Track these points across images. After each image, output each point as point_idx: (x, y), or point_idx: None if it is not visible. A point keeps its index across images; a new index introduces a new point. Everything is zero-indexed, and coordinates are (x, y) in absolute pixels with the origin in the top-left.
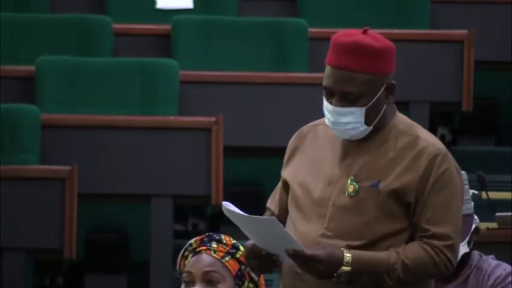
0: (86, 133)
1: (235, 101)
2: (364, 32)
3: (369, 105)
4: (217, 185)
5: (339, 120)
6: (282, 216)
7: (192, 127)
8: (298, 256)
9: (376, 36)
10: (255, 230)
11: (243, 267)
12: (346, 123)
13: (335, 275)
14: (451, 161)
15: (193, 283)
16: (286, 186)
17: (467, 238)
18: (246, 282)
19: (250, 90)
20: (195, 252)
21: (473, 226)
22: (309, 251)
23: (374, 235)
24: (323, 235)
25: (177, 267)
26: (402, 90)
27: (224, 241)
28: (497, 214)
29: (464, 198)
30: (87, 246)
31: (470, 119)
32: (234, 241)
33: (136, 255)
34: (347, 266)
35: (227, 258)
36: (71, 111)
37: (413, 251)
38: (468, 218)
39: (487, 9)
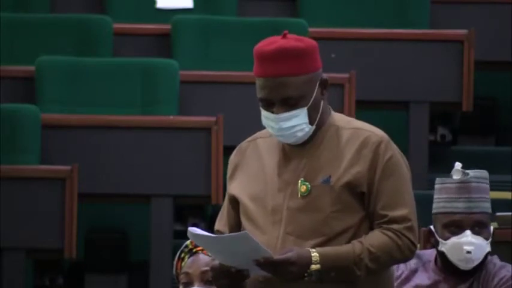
0: (86, 133)
1: (235, 101)
2: (284, 36)
3: (309, 104)
4: (217, 185)
5: (284, 125)
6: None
7: (192, 127)
8: (269, 263)
9: (296, 38)
10: (224, 249)
11: None
12: (292, 126)
13: (306, 274)
14: (394, 147)
15: (191, 283)
16: (234, 203)
17: (491, 238)
18: None
19: (250, 90)
20: (192, 253)
21: (492, 227)
22: (278, 256)
23: (333, 230)
24: (283, 240)
25: (174, 270)
26: (402, 90)
27: None
28: (497, 214)
29: (484, 196)
30: (87, 246)
31: (470, 119)
32: None
33: (136, 255)
34: (316, 264)
35: None
36: (71, 111)
37: (375, 238)
38: (490, 217)
39: (487, 9)
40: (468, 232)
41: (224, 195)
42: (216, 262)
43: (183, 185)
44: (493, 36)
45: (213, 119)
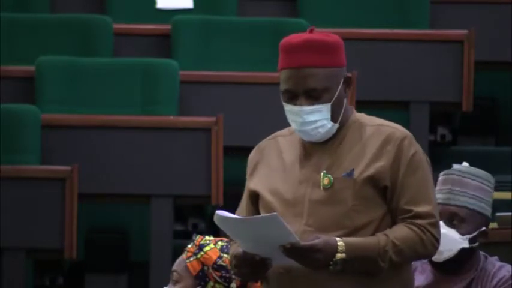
0: (86, 133)
1: (235, 101)
2: (311, 31)
3: (333, 100)
4: (217, 185)
5: (307, 119)
6: None
7: (192, 127)
8: (295, 249)
9: (324, 33)
10: (250, 233)
11: (206, 267)
12: (315, 121)
13: (331, 263)
14: (417, 144)
15: None
16: (253, 198)
17: (472, 235)
18: (211, 283)
19: (250, 90)
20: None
21: (483, 228)
22: (305, 242)
23: (355, 223)
24: (304, 231)
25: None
26: (402, 90)
27: (195, 242)
28: (497, 214)
29: (486, 198)
30: (87, 246)
31: (470, 119)
32: (204, 242)
33: (136, 255)
34: (341, 253)
35: (191, 259)
36: (71, 111)
37: (400, 231)
38: (480, 217)
39: (487, 9)
40: (441, 223)
41: (224, 196)
42: (239, 250)
43: (183, 185)
44: (493, 36)
45: (213, 119)
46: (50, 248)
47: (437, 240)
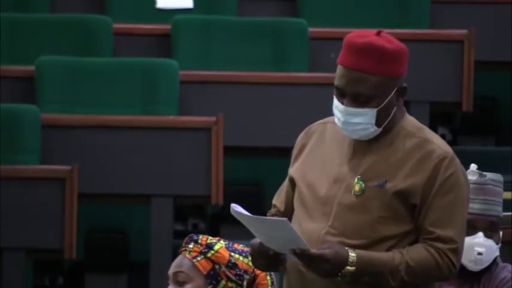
0: (86, 133)
1: (235, 101)
2: (378, 33)
3: (380, 106)
4: (217, 185)
5: (349, 120)
6: (288, 212)
7: (192, 127)
8: (304, 256)
9: (389, 38)
10: (264, 230)
11: (217, 266)
12: (357, 123)
13: (339, 274)
14: (458, 165)
15: (169, 284)
16: (293, 183)
17: (500, 244)
18: (223, 282)
19: (250, 90)
20: (179, 254)
21: (501, 232)
22: (315, 251)
23: (377, 235)
24: (327, 233)
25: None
26: None
27: (200, 241)
28: None
29: (499, 200)
30: (87, 246)
31: (470, 119)
32: (211, 241)
33: (136, 255)
34: (351, 265)
35: (199, 258)
36: (71, 111)
37: (417, 252)
38: (500, 221)
39: (487, 9)
40: (481, 234)
41: (224, 196)
42: (257, 241)
43: (183, 185)
44: (493, 36)
45: (213, 119)
46: (50, 248)
47: (455, 266)
